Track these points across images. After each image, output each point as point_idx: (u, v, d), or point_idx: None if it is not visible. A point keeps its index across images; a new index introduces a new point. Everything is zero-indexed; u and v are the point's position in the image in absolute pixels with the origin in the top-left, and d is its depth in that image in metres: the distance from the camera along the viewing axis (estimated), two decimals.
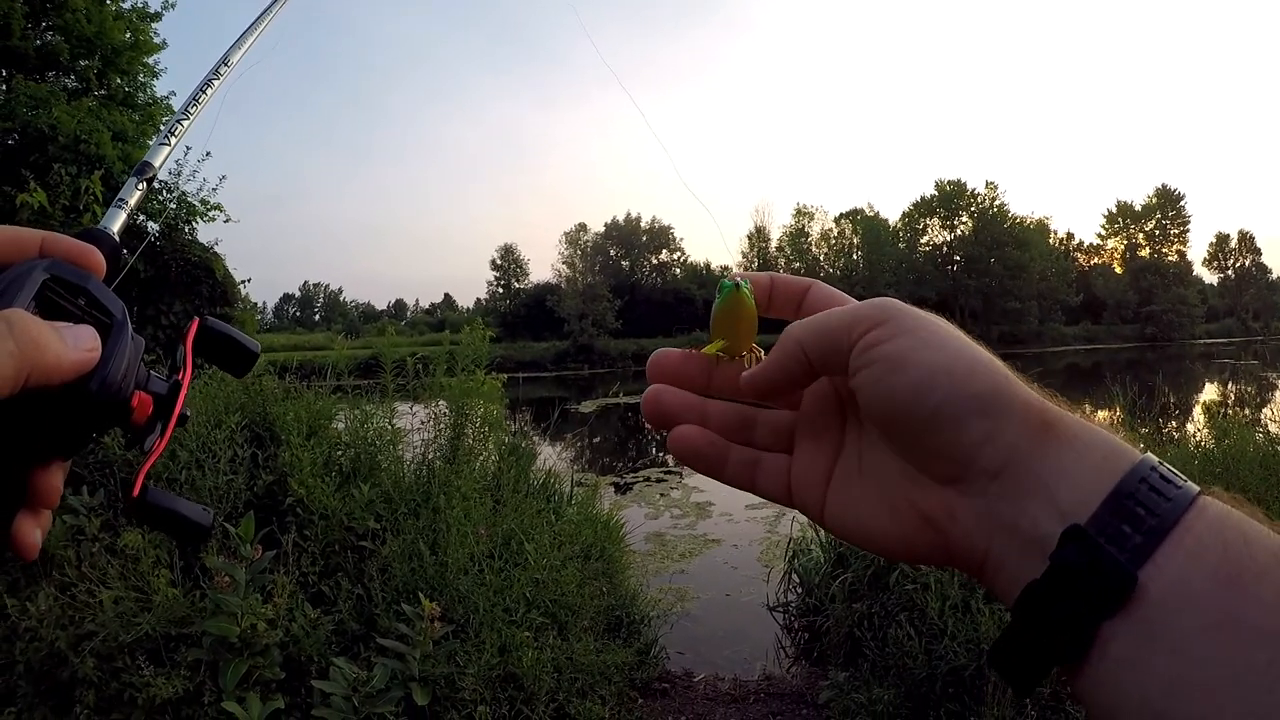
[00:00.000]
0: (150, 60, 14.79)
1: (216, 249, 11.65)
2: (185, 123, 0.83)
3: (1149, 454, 0.41)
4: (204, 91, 0.86)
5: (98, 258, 0.53)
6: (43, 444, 0.48)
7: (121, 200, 0.69)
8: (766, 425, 0.55)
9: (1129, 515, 0.38)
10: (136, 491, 0.52)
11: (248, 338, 0.61)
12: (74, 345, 0.45)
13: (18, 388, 0.41)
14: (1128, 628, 0.37)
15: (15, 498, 0.48)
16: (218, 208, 11.98)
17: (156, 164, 0.76)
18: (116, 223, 0.65)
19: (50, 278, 0.48)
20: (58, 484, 0.51)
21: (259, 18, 1.00)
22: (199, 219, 11.73)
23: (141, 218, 10.58)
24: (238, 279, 11.69)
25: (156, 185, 11.03)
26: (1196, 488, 0.40)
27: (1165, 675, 0.35)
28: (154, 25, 14.83)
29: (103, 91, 14.07)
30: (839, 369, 0.47)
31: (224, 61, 0.91)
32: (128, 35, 14.19)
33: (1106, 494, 0.39)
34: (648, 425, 0.59)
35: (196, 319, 0.59)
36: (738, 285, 0.55)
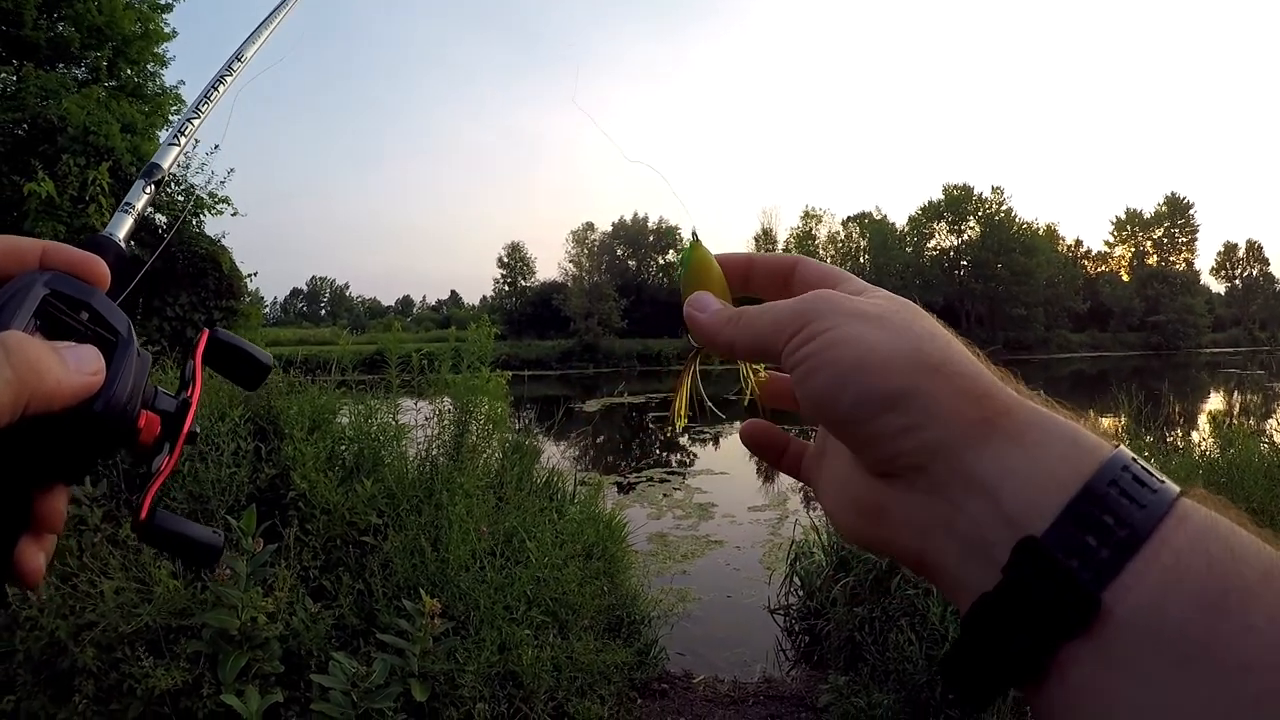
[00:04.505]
0: (160, 49, 14.81)
1: (224, 242, 11.68)
2: (196, 121, 0.79)
3: (1121, 449, 0.37)
4: (215, 89, 0.82)
5: (102, 269, 0.50)
6: (45, 469, 0.46)
7: (128, 204, 0.66)
8: None
9: (1094, 525, 0.34)
10: (144, 515, 0.50)
11: (259, 350, 0.59)
12: (76, 369, 0.43)
13: (16, 416, 0.39)
14: (1090, 652, 0.33)
15: (18, 523, 0.46)
16: (225, 201, 12.01)
17: (165, 165, 0.72)
18: (123, 229, 0.62)
19: (51, 292, 0.46)
20: (61, 508, 0.49)
21: (271, 14, 0.95)
22: (206, 212, 11.76)
23: (150, 210, 10.61)
24: (245, 272, 11.71)
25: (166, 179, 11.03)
26: (1175, 489, 0.35)
27: (1133, 706, 0.31)
28: (164, 16, 14.85)
29: (112, 82, 14.08)
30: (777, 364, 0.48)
31: (237, 57, 0.86)
32: (137, 25, 14.20)
33: (1069, 499, 0.35)
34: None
35: (206, 331, 0.57)
36: (695, 240, 0.55)
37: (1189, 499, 0.35)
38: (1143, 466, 0.36)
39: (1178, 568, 0.32)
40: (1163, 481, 0.36)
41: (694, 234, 0.55)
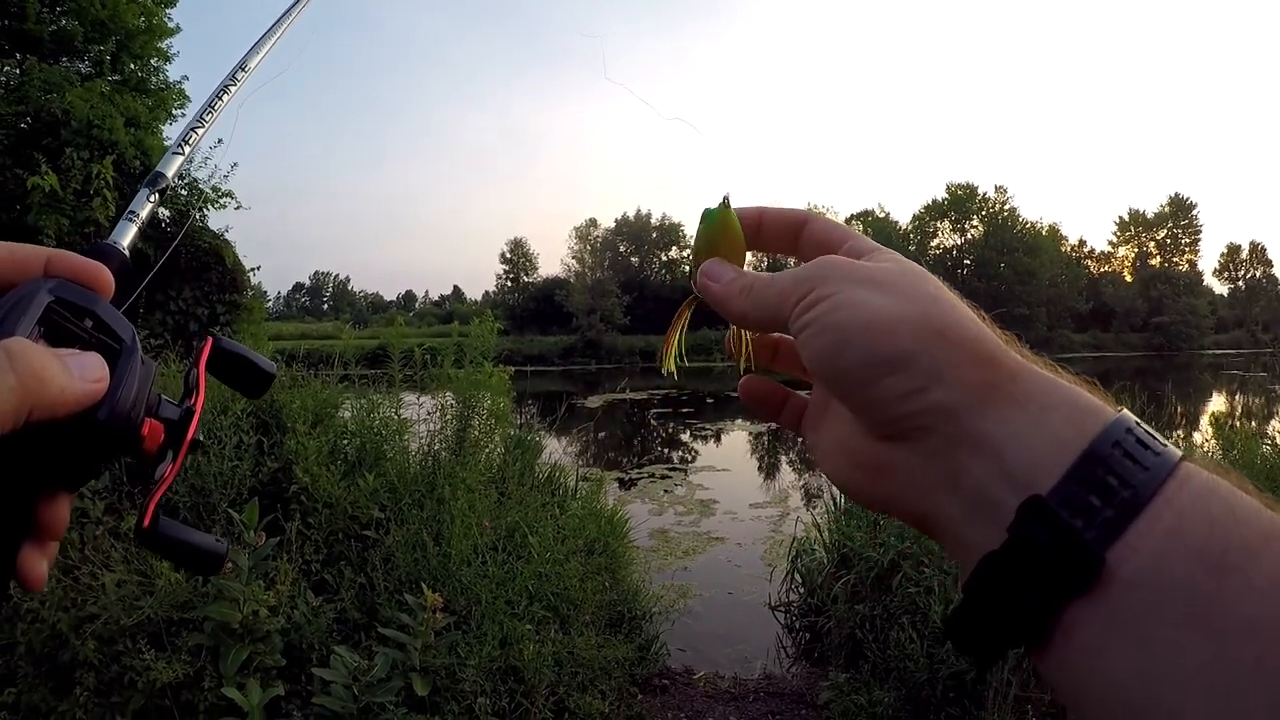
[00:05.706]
0: (163, 44, 14.76)
1: (227, 236, 11.67)
2: (200, 131, 0.79)
3: (1124, 412, 0.38)
4: (219, 98, 0.82)
5: (106, 277, 0.50)
6: (48, 476, 0.46)
7: (133, 213, 0.65)
8: None
9: (1098, 485, 0.34)
10: (147, 522, 0.49)
11: (263, 358, 0.58)
12: (80, 376, 0.42)
13: (19, 424, 0.39)
14: (1093, 613, 0.33)
15: (20, 529, 0.46)
16: (229, 195, 11.98)
17: (169, 174, 0.73)
18: (127, 237, 0.62)
19: (55, 300, 0.46)
20: (64, 515, 0.48)
21: (275, 25, 0.95)
22: (210, 206, 11.75)
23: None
24: (247, 266, 11.70)
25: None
26: (1178, 453, 0.36)
27: (1136, 665, 0.31)
28: (168, 10, 14.80)
29: (116, 76, 14.05)
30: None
31: (241, 67, 0.86)
32: (141, 20, 14.16)
33: (1073, 460, 0.35)
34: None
35: (210, 339, 0.56)
36: (725, 204, 0.54)
37: (1191, 463, 0.36)
38: (1145, 430, 0.37)
39: (1180, 528, 0.33)
40: (1165, 445, 0.36)
41: (725, 198, 0.54)
